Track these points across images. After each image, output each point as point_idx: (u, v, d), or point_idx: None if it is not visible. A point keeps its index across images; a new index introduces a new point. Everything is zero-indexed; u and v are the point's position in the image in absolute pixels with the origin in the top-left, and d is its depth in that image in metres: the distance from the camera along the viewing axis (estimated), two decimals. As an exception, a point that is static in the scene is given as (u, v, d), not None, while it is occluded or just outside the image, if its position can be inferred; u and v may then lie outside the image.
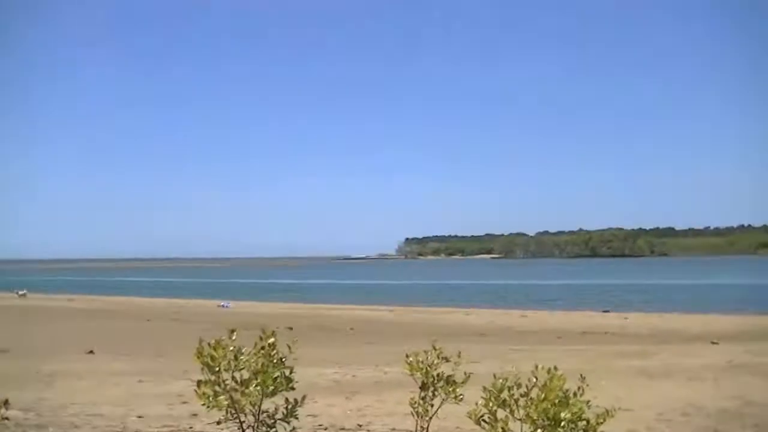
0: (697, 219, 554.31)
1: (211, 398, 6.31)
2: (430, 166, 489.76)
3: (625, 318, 45.65)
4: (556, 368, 6.19)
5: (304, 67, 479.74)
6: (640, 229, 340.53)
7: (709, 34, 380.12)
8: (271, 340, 6.47)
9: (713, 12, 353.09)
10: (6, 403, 6.81)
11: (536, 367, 6.26)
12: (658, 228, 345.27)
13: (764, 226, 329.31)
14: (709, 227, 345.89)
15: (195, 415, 12.89)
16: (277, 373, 6.41)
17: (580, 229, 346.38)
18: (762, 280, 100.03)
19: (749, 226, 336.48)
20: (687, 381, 18.92)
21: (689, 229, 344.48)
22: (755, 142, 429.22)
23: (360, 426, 13.49)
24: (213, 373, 6.33)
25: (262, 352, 6.44)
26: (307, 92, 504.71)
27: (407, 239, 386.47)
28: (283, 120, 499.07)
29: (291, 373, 6.49)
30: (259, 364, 6.37)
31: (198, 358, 6.43)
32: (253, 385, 6.34)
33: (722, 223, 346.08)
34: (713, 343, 31.95)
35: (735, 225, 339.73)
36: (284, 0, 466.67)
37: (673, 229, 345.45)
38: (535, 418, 6.08)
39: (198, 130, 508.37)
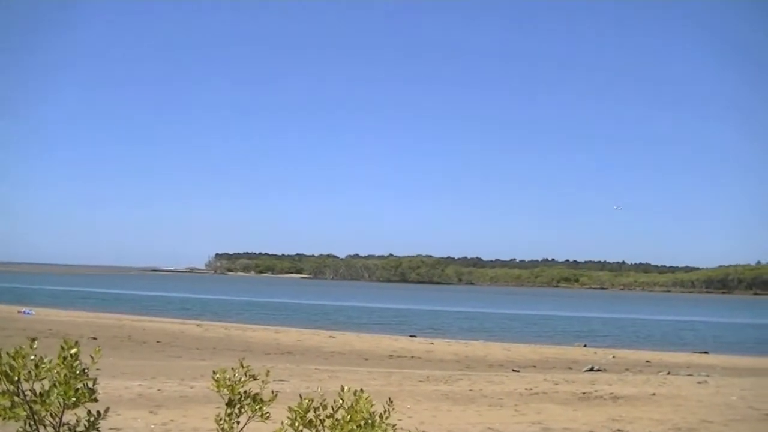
0: (503, 251, 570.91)
1: (7, 409, 6.04)
2: (247, 182, 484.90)
3: (431, 343, 46.35)
4: (362, 390, 6.20)
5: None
6: (449, 257, 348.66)
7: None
8: (74, 350, 6.24)
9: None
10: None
11: (342, 388, 6.24)
12: (466, 257, 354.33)
13: (566, 261, 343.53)
14: (514, 259, 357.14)
15: (-12, 426, 12.36)
16: (80, 385, 6.19)
17: (390, 255, 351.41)
18: (560, 312, 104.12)
19: (553, 260, 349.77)
20: (489, 407, 19.41)
21: (496, 260, 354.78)
22: (556, 180, 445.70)
23: (163, 441, 13.28)
24: (11, 382, 6.06)
25: (65, 362, 6.21)
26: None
27: (217, 254, 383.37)
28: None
29: (94, 384, 6.29)
30: (62, 375, 6.14)
31: (-5, 366, 6.14)
32: (54, 396, 6.10)
33: (527, 257, 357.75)
34: (514, 371, 32.95)
35: (539, 259, 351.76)
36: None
37: (480, 259, 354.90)
38: (341, 439, 6.07)
39: None
